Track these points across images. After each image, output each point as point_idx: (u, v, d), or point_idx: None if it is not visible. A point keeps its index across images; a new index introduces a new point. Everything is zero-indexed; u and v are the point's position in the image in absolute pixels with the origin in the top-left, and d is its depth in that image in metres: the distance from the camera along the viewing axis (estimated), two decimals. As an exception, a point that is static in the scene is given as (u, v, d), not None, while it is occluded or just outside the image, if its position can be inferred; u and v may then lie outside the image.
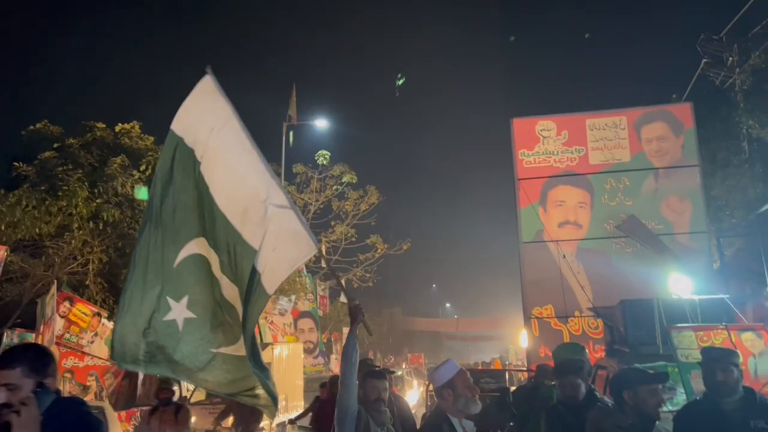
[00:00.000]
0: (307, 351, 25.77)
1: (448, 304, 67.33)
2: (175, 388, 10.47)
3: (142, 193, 13.78)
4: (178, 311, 3.52)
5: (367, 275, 25.05)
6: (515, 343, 34.34)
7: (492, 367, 18.65)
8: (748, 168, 15.49)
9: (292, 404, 15.62)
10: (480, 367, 18.62)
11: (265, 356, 14.08)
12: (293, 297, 24.48)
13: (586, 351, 4.75)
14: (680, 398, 5.70)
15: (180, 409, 6.82)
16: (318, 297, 28.88)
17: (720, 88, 18.17)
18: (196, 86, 3.60)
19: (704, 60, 18.83)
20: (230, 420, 9.77)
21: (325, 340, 29.31)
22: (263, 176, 3.56)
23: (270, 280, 3.47)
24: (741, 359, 3.78)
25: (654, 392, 3.27)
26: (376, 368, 5.16)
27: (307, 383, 17.70)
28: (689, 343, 6.24)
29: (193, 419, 12.54)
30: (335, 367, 30.09)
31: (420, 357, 45.83)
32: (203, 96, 3.60)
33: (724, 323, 6.62)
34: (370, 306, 40.34)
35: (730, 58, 18.10)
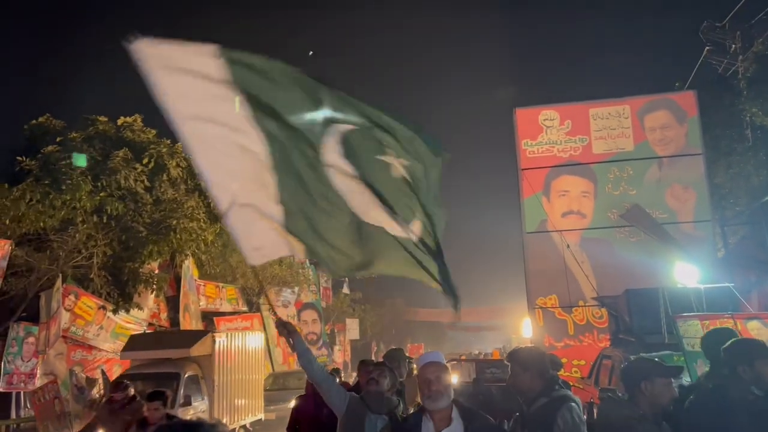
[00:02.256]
0: (311, 342, 25.88)
1: (450, 294, 67.34)
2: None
3: None
4: None
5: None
6: (517, 333, 34.35)
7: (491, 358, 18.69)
8: (751, 155, 15.45)
9: (254, 403, 13.10)
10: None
11: (203, 347, 12.97)
12: (296, 289, 24.51)
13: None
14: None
15: None
16: (321, 288, 28.96)
17: (723, 75, 18.08)
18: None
19: (707, 47, 18.73)
20: None
21: (328, 332, 29.42)
22: None
23: None
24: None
25: (669, 386, 3.23)
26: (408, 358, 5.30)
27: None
28: (695, 332, 6.24)
29: None
30: (338, 358, 30.29)
31: (420, 347, 45.88)
32: None
33: (729, 312, 6.63)
34: (372, 296, 40.35)
35: (733, 46, 17.99)
